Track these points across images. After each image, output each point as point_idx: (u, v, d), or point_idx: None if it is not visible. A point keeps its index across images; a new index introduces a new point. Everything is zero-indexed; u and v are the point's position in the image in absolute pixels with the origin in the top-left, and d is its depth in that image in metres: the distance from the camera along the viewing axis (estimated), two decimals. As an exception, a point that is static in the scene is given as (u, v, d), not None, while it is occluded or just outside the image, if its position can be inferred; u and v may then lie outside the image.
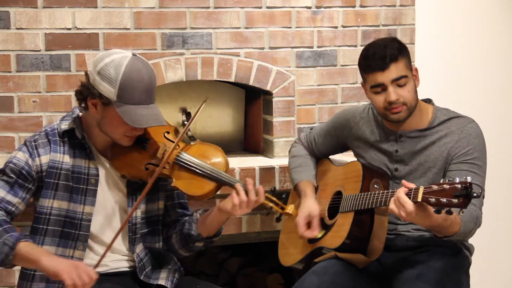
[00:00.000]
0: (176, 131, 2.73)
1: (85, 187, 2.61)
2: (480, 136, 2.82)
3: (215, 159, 2.66)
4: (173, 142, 2.65)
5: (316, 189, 3.10)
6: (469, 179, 2.39)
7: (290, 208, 2.63)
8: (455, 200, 2.38)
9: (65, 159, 2.60)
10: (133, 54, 2.57)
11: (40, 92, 3.34)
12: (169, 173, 2.62)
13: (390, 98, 2.76)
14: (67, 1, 3.34)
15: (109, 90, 2.52)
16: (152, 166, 2.62)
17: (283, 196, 2.65)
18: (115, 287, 2.60)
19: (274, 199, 2.63)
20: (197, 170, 2.62)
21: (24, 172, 2.57)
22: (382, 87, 2.77)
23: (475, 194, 2.37)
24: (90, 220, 2.60)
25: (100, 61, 2.55)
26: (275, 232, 3.34)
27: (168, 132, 2.68)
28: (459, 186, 2.37)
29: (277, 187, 3.46)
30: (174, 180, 2.62)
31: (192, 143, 2.72)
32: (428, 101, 2.93)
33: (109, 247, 2.57)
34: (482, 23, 4.17)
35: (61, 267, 2.39)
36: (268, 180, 3.45)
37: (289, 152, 3.28)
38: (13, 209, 2.56)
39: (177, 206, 2.77)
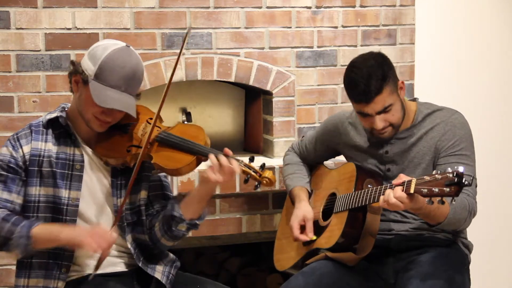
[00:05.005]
0: (160, 118, 2.72)
1: (70, 172, 2.61)
2: (465, 126, 2.83)
3: (195, 135, 2.65)
4: (157, 126, 2.65)
5: (311, 193, 3.11)
6: (461, 168, 2.41)
7: (267, 173, 2.58)
8: (447, 189, 2.41)
9: (48, 147, 2.61)
10: (127, 45, 2.60)
11: (40, 92, 3.34)
12: (149, 152, 2.61)
13: (377, 127, 2.79)
14: (67, 1, 3.34)
15: (90, 68, 2.55)
16: (134, 148, 2.62)
17: (262, 164, 2.62)
18: (116, 287, 2.60)
19: (252, 166, 2.60)
20: (176, 144, 2.61)
21: (12, 165, 2.58)
22: (368, 115, 2.79)
23: (466, 182, 2.40)
24: (77, 206, 2.60)
25: (94, 45, 2.62)
26: (275, 232, 3.34)
27: (151, 118, 2.67)
28: (451, 175, 2.41)
29: (277, 187, 3.46)
30: (154, 157, 2.60)
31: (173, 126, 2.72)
32: (413, 99, 2.95)
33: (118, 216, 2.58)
34: (482, 23, 4.17)
35: (80, 238, 2.48)
36: (268, 180, 3.45)
37: (283, 160, 3.29)
38: (13, 206, 2.57)
39: (161, 197, 2.75)
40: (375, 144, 2.92)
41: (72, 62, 2.63)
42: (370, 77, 2.73)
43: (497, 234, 4.23)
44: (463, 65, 4.14)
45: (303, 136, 3.30)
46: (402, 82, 2.83)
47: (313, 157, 3.20)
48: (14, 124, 3.28)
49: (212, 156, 2.56)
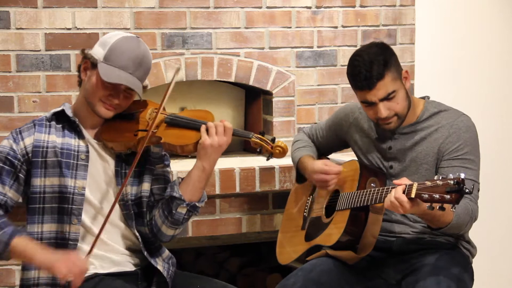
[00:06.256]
0: (164, 108, 2.74)
1: (75, 162, 2.62)
2: (470, 130, 2.81)
3: (204, 116, 2.69)
4: (163, 113, 2.68)
5: (315, 188, 3.11)
6: (462, 175, 2.40)
7: (279, 143, 2.63)
8: (448, 196, 2.40)
9: (52, 138, 2.62)
10: (137, 36, 2.66)
11: (40, 92, 3.35)
12: (157, 134, 2.64)
13: (380, 115, 2.77)
14: (67, 1, 3.34)
15: (99, 52, 2.60)
16: (142, 132, 2.64)
17: (272, 138, 2.66)
18: (121, 285, 2.60)
19: (264, 137, 2.64)
20: (186, 123, 2.65)
21: (10, 157, 2.58)
22: (372, 104, 2.78)
23: (467, 190, 2.39)
24: (83, 194, 2.61)
25: (105, 35, 2.68)
26: (275, 232, 3.34)
27: (156, 109, 2.69)
28: (452, 182, 2.39)
29: (277, 187, 3.46)
30: (163, 137, 2.63)
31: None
32: (424, 97, 2.94)
33: (100, 232, 2.57)
34: (482, 23, 4.17)
35: (54, 264, 2.45)
36: (268, 180, 3.45)
37: (293, 141, 3.27)
38: (5, 198, 2.56)
39: (163, 190, 2.75)
40: (380, 138, 2.91)
41: (83, 50, 2.67)
42: (372, 63, 2.73)
43: (499, 235, 4.23)
44: (463, 65, 4.14)
45: (315, 123, 3.29)
46: (407, 72, 2.82)
47: (322, 143, 3.18)
48: (14, 124, 3.28)
49: (207, 123, 2.61)
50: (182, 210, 2.65)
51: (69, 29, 3.35)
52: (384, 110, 2.76)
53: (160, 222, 2.68)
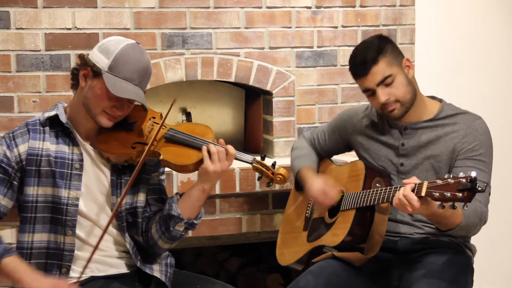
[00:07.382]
0: (163, 117, 2.72)
1: (69, 171, 2.59)
2: (486, 133, 2.83)
3: (204, 133, 2.66)
4: (164, 125, 2.65)
5: None
6: (473, 173, 2.39)
7: (281, 171, 2.61)
8: (460, 194, 2.38)
9: (46, 146, 2.58)
10: (137, 42, 2.62)
11: (40, 92, 3.34)
12: (156, 149, 2.61)
13: (380, 100, 2.79)
14: (67, 1, 3.34)
15: (102, 61, 2.55)
16: (140, 145, 2.61)
17: (273, 162, 2.65)
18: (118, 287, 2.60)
19: (265, 163, 2.62)
20: (185, 141, 2.61)
21: (3, 165, 2.54)
22: (371, 91, 2.80)
23: (480, 188, 2.38)
24: (77, 205, 2.58)
25: (104, 40, 2.63)
26: (275, 232, 3.34)
27: (154, 117, 2.68)
28: (464, 180, 2.38)
29: (277, 187, 3.46)
30: (162, 154, 2.60)
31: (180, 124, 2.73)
32: (433, 97, 2.94)
33: (96, 247, 2.55)
34: (482, 23, 4.17)
35: None
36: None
37: (292, 146, 3.28)
38: None
39: (159, 201, 2.74)
40: (391, 135, 2.91)
41: (81, 56, 2.61)
42: (367, 50, 2.81)
43: (498, 234, 4.22)
44: (463, 65, 4.14)
45: (316, 127, 3.28)
46: (409, 60, 2.85)
47: (323, 148, 3.17)
48: (14, 124, 3.27)
49: (209, 146, 2.57)
50: (180, 228, 2.64)
51: (69, 29, 3.35)
52: (382, 95, 2.78)
53: (157, 237, 2.66)
